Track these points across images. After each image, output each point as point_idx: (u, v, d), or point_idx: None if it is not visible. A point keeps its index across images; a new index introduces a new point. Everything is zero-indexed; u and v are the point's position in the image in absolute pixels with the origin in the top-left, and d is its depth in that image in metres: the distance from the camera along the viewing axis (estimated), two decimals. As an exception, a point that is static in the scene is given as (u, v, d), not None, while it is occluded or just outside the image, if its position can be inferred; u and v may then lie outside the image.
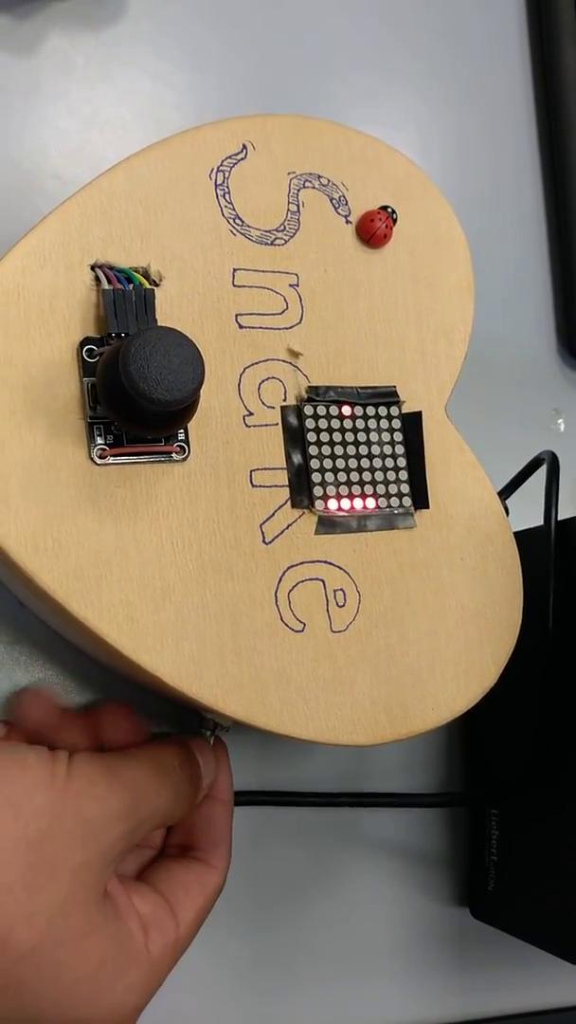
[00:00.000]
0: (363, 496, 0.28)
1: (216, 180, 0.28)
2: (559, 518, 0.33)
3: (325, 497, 0.28)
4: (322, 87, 0.42)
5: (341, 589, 0.27)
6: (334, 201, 0.30)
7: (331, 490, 0.28)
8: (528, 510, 0.34)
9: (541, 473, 0.35)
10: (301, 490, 0.28)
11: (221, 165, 0.28)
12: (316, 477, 0.28)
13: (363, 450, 0.29)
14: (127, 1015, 0.24)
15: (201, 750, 0.29)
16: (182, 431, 0.26)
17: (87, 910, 0.23)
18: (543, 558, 0.32)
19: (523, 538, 0.33)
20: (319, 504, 0.28)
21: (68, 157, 0.37)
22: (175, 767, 0.27)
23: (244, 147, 0.29)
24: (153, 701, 0.33)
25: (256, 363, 0.28)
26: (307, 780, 0.35)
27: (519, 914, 0.35)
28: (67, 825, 0.23)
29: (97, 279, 0.26)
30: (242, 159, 0.29)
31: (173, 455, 0.26)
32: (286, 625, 0.26)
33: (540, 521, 0.33)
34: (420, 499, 0.29)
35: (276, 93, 0.41)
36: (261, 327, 0.28)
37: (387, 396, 0.29)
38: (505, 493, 0.36)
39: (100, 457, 0.25)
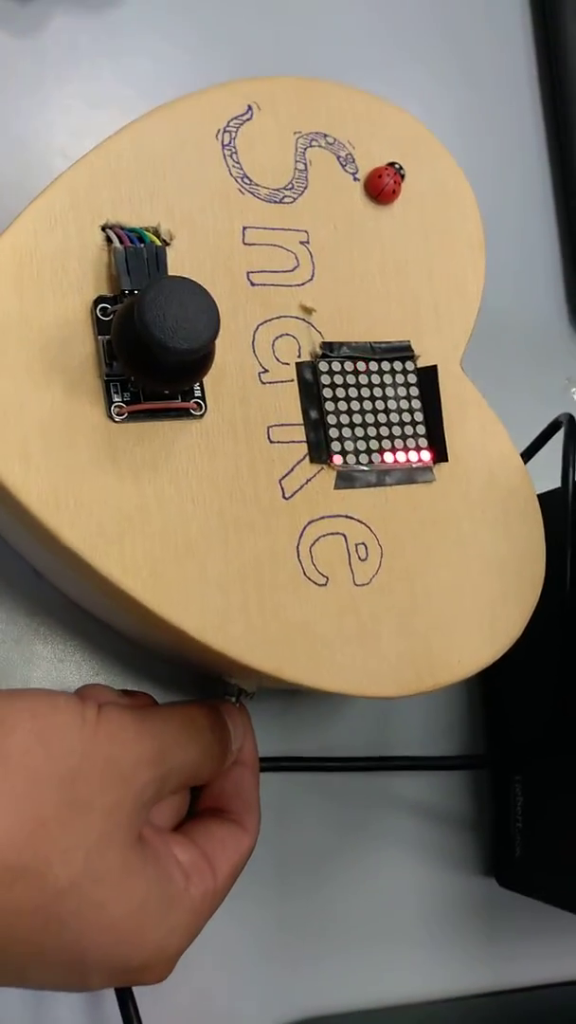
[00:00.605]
0: (381, 451, 0.28)
1: (223, 141, 0.28)
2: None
3: (343, 452, 0.28)
4: (327, 64, 0.42)
5: (363, 543, 0.27)
6: (341, 159, 0.30)
7: (349, 445, 0.28)
8: (548, 475, 0.34)
9: (558, 442, 0.35)
10: (319, 445, 0.27)
11: (227, 126, 0.29)
12: (333, 432, 0.28)
13: (379, 405, 0.29)
14: (170, 956, 0.24)
15: (230, 714, 0.29)
16: (198, 387, 0.26)
17: (124, 850, 0.23)
18: (562, 519, 0.32)
19: (542, 501, 0.33)
20: (337, 459, 0.28)
21: (74, 135, 0.37)
22: (204, 726, 0.27)
23: (249, 108, 0.29)
24: (176, 672, 0.33)
25: (269, 320, 0.28)
26: (329, 749, 0.35)
27: (547, 879, 0.34)
28: (97, 765, 0.22)
29: (108, 239, 0.26)
30: (248, 120, 0.29)
31: (191, 411, 0.26)
32: (309, 579, 0.26)
33: (559, 484, 0.33)
34: (439, 453, 0.29)
35: (280, 71, 0.41)
36: (273, 284, 0.28)
37: (401, 351, 0.29)
38: (523, 459, 0.36)
39: (118, 415, 0.25)
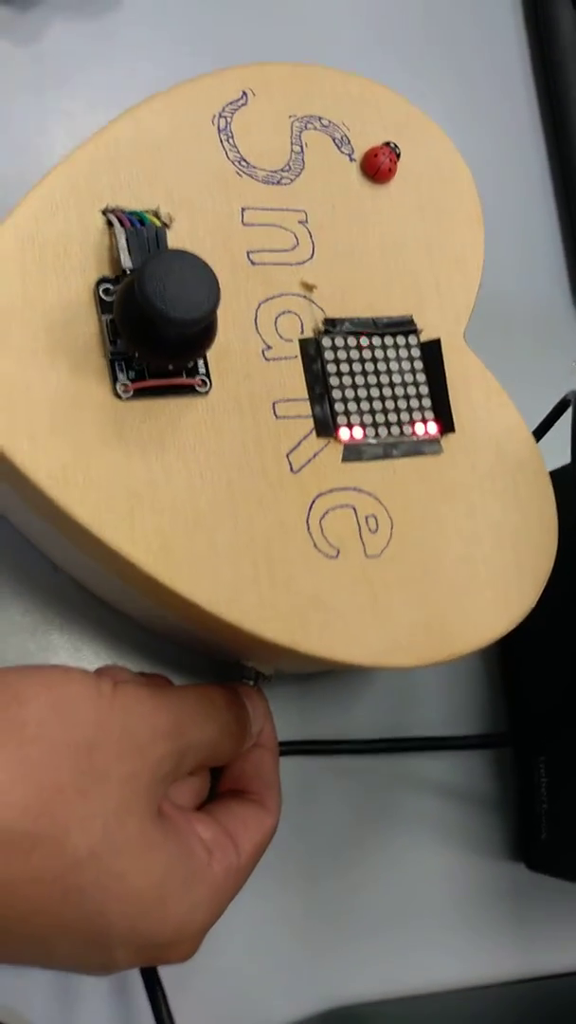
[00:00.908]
0: (387, 424, 0.28)
1: (219, 125, 0.29)
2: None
3: (349, 425, 0.28)
4: (321, 59, 0.42)
5: (373, 515, 0.27)
6: (336, 141, 0.30)
7: (355, 419, 0.28)
8: (560, 454, 0.34)
9: (567, 421, 0.35)
10: (325, 420, 0.28)
11: (223, 111, 0.29)
12: (339, 407, 0.28)
13: (384, 379, 0.29)
14: (195, 932, 0.24)
15: (249, 696, 0.29)
16: (203, 365, 0.26)
17: (143, 821, 0.22)
18: (571, 494, 0.32)
19: (553, 478, 0.33)
20: (344, 432, 0.28)
21: (75, 138, 0.37)
22: (221, 704, 0.27)
23: (244, 94, 0.29)
24: (193, 659, 0.33)
25: (271, 298, 0.28)
26: (349, 732, 0.35)
27: (574, 858, 0.34)
28: (113, 735, 0.22)
29: (109, 223, 0.26)
30: (243, 105, 0.29)
31: (196, 388, 0.26)
32: (320, 551, 0.26)
33: (569, 462, 0.33)
34: (445, 424, 0.29)
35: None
36: (273, 263, 0.28)
37: (404, 325, 0.29)
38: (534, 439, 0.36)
39: (124, 392, 0.25)
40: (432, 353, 0.29)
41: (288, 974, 0.33)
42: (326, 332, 0.28)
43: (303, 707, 0.34)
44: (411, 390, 0.29)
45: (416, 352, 0.29)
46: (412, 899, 0.35)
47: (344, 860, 0.34)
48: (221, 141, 0.29)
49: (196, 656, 0.33)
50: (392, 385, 0.29)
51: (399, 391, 0.29)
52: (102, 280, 0.26)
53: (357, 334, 0.29)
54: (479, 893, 0.36)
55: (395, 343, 0.29)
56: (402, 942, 0.35)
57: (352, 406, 0.28)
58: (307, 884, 0.34)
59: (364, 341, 0.29)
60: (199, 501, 0.25)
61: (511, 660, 0.37)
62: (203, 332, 0.24)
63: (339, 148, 0.30)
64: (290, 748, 0.33)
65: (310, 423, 0.27)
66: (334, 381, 0.28)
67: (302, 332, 0.28)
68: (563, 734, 0.34)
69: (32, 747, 0.21)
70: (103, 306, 0.25)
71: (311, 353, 0.28)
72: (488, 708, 0.37)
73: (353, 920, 0.34)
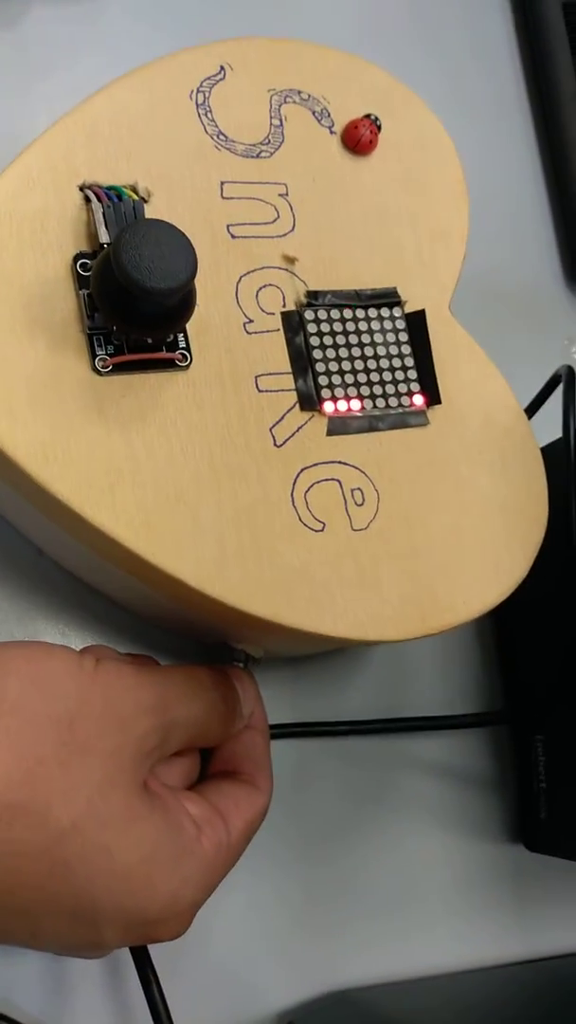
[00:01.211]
0: (372, 396, 0.28)
1: (197, 100, 0.29)
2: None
3: (333, 399, 0.27)
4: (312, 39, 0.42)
5: (359, 488, 0.27)
6: (316, 114, 0.30)
7: (339, 392, 0.28)
8: (552, 429, 0.33)
9: (559, 398, 0.34)
10: (308, 393, 0.27)
11: (201, 86, 0.29)
12: (323, 380, 0.28)
13: (368, 351, 0.28)
14: (185, 909, 0.23)
15: (239, 678, 0.28)
16: (183, 339, 0.26)
17: (128, 796, 0.22)
18: (564, 468, 0.32)
19: (546, 452, 0.33)
20: (328, 406, 0.27)
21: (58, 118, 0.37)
22: (207, 684, 0.26)
23: (222, 68, 0.29)
24: (182, 644, 0.33)
25: (252, 271, 0.28)
26: (344, 715, 0.34)
27: (574, 836, 0.33)
28: (95, 709, 0.22)
29: (87, 198, 0.26)
30: (221, 79, 0.29)
31: (176, 362, 0.26)
32: (305, 525, 0.26)
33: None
34: (431, 396, 0.29)
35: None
36: (254, 236, 0.28)
37: (388, 297, 0.29)
38: (527, 416, 0.36)
39: (103, 367, 0.25)
40: (417, 324, 0.29)
41: (286, 958, 0.32)
42: (308, 305, 0.28)
43: (297, 689, 0.34)
44: (396, 362, 0.29)
45: (401, 324, 0.29)
46: (410, 881, 0.35)
47: (341, 843, 0.34)
48: (199, 116, 0.28)
49: (184, 640, 0.32)
50: (377, 357, 0.28)
51: (384, 363, 0.28)
52: (80, 255, 0.25)
53: (340, 306, 0.28)
54: (478, 875, 0.36)
55: (379, 315, 0.29)
56: (401, 925, 0.34)
57: (336, 379, 0.28)
58: (304, 867, 0.33)
59: (347, 313, 0.28)
60: (181, 476, 0.25)
61: (507, 637, 0.37)
62: (181, 304, 0.24)
63: (319, 121, 0.30)
64: (285, 730, 0.33)
65: (293, 396, 0.27)
66: (317, 354, 0.28)
67: (284, 305, 0.28)
68: (559, 712, 0.33)
69: (11, 719, 0.21)
70: (81, 281, 0.25)
71: (293, 326, 0.28)
72: (484, 687, 0.37)
73: (351, 903, 0.34)
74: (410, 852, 0.35)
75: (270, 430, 0.27)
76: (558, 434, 0.33)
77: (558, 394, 0.35)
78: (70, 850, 0.21)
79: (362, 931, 0.34)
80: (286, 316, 0.28)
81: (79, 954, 0.24)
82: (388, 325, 0.29)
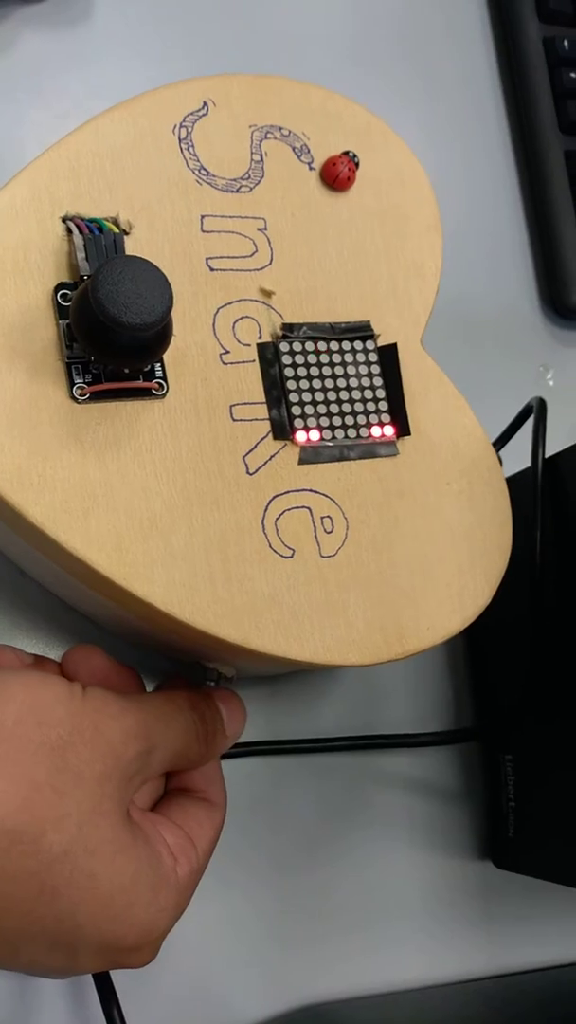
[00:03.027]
0: (344, 427, 0.29)
1: (179, 135, 0.29)
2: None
3: (306, 428, 0.28)
4: (292, 72, 0.43)
5: (328, 516, 0.28)
6: (296, 150, 0.31)
7: (311, 421, 0.28)
8: (524, 457, 0.34)
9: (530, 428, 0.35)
10: (281, 423, 0.28)
11: (184, 121, 0.29)
12: (296, 410, 0.28)
13: (341, 383, 0.29)
14: (157, 936, 0.24)
15: (224, 699, 0.29)
16: (159, 368, 0.27)
17: (115, 824, 0.23)
18: (531, 496, 0.33)
19: (517, 480, 0.34)
20: (300, 435, 0.28)
21: (44, 147, 0.38)
22: (184, 705, 0.27)
23: (205, 104, 0.30)
24: (159, 663, 0.33)
25: (229, 303, 0.28)
26: (318, 734, 0.35)
27: (543, 855, 0.34)
28: (86, 735, 0.23)
29: (69, 230, 0.27)
30: (203, 115, 0.30)
31: (153, 391, 0.26)
32: (275, 551, 0.27)
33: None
34: (401, 427, 0.29)
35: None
36: (232, 269, 0.29)
37: (361, 330, 0.30)
38: (498, 445, 0.37)
39: (80, 395, 0.26)
40: (389, 357, 0.30)
41: (257, 972, 0.33)
42: (284, 337, 0.29)
43: (272, 707, 0.35)
44: (368, 393, 0.29)
45: (373, 356, 0.30)
46: (381, 897, 0.35)
47: (312, 859, 0.35)
48: (182, 150, 0.29)
49: (161, 659, 0.33)
50: (349, 389, 0.29)
51: (356, 394, 0.29)
52: (60, 286, 0.26)
53: (315, 339, 0.29)
54: (447, 891, 0.37)
55: (352, 347, 0.30)
56: (371, 940, 0.35)
57: (309, 409, 0.28)
58: (276, 883, 0.34)
59: (322, 346, 0.29)
60: (154, 502, 0.26)
61: (478, 658, 0.38)
62: (158, 336, 0.25)
63: (299, 157, 0.31)
64: (259, 748, 0.33)
65: (267, 426, 0.28)
66: (291, 385, 0.28)
67: (260, 337, 0.29)
68: (526, 732, 0.34)
69: (9, 745, 0.22)
70: (61, 311, 0.26)
71: (268, 357, 0.28)
72: (455, 705, 0.38)
73: (322, 919, 0.34)
74: (381, 868, 0.36)
75: (243, 458, 0.27)
76: (529, 463, 0.34)
77: (529, 424, 0.36)
78: (59, 876, 0.22)
79: (332, 946, 0.34)
80: (262, 347, 0.28)
81: (48, 976, 0.25)
82: (361, 358, 0.30)
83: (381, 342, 0.30)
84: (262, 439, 0.28)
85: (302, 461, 0.28)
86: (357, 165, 0.31)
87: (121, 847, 0.23)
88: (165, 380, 0.27)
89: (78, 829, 0.22)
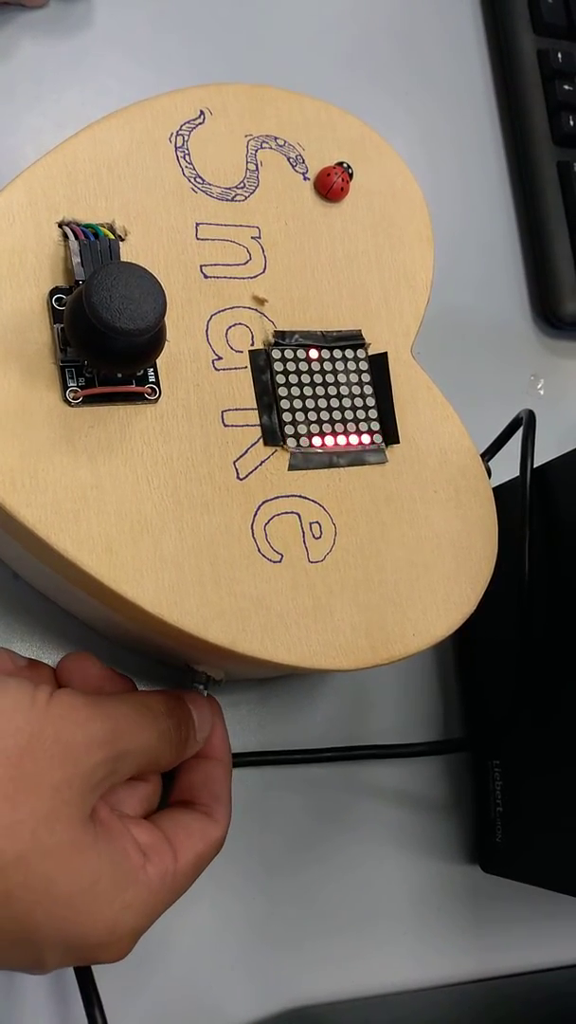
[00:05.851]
0: (334, 434, 0.29)
1: (176, 143, 0.30)
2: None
3: (296, 435, 0.29)
4: (288, 81, 0.44)
5: (317, 522, 0.28)
6: (291, 160, 0.31)
7: (302, 428, 0.29)
8: (513, 468, 0.35)
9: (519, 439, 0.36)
10: (272, 429, 0.28)
11: (180, 129, 0.30)
12: (287, 416, 0.29)
13: (331, 390, 0.29)
14: (125, 934, 0.24)
15: (194, 701, 0.29)
16: (152, 373, 0.27)
17: (72, 827, 0.23)
18: (519, 505, 0.33)
19: (506, 489, 0.34)
20: (291, 442, 0.28)
21: (42, 153, 0.38)
22: (160, 711, 0.27)
23: (201, 113, 0.30)
24: (149, 666, 0.33)
25: (222, 310, 0.29)
26: (308, 742, 0.35)
27: (530, 860, 0.35)
28: (46, 744, 0.23)
29: (64, 235, 0.27)
30: (200, 124, 0.30)
31: (146, 396, 0.27)
32: (263, 556, 0.27)
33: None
34: (390, 435, 0.30)
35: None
36: (226, 276, 0.29)
37: (352, 339, 0.30)
38: (488, 455, 0.37)
39: (74, 399, 0.26)
40: (379, 366, 0.30)
41: (246, 976, 0.33)
42: (276, 344, 0.29)
43: (261, 717, 0.35)
44: (358, 402, 0.30)
45: (363, 365, 0.30)
46: (369, 902, 0.36)
47: (302, 866, 0.35)
48: (178, 158, 0.30)
49: (151, 662, 0.33)
50: (339, 396, 0.30)
51: (346, 402, 0.30)
52: (56, 290, 0.27)
53: (306, 347, 0.29)
54: (435, 896, 0.37)
55: (343, 356, 0.30)
56: (359, 944, 0.35)
57: (300, 416, 0.29)
58: (265, 888, 0.34)
59: (313, 353, 0.30)
60: (145, 506, 0.26)
61: (466, 666, 0.38)
62: (151, 342, 0.25)
63: (293, 167, 0.31)
64: (248, 758, 0.33)
65: (258, 432, 0.28)
66: (282, 392, 0.29)
67: (252, 344, 0.29)
68: (514, 738, 0.34)
69: None
70: (56, 315, 0.26)
71: (260, 364, 0.29)
72: (444, 715, 0.38)
73: (311, 923, 0.35)
74: (370, 872, 0.36)
75: (234, 463, 0.28)
76: (517, 472, 0.34)
77: (519, 434, 0.36)
78: (13, 881, 0.22)
79: (321, 949, 0.35)
80: (254, 354, 0.29)
81: (21, 971, 0.25)
82: (352, 366, 0.30)
83: (372, 351, 0.30)
84: (253, 445, 0.28)
85: (292, 467, 0.28)
86: (351, 176, 0.31)
87: (80, 849, 0.23)
88: (158, 385, 0.27)
89: (32, 835, 0.22)
